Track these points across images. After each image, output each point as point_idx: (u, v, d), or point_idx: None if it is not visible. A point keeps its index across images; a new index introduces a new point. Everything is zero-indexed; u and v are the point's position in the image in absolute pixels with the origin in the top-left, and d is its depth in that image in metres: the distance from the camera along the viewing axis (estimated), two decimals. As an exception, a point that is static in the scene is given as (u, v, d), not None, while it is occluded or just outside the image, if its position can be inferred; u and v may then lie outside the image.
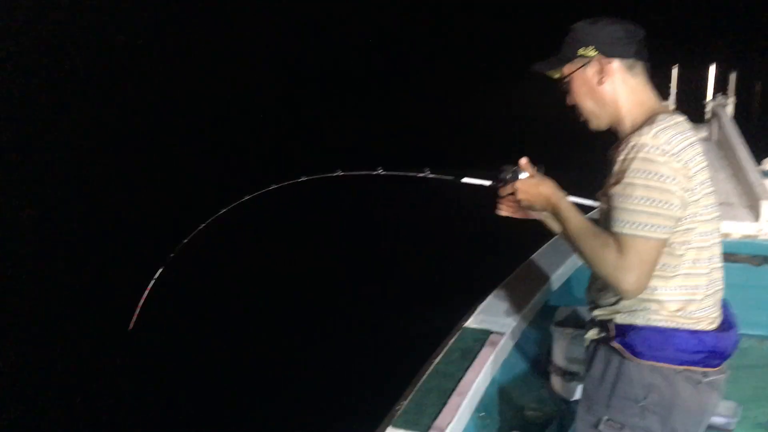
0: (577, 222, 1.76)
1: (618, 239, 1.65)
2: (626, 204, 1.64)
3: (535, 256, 3.19)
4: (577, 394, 2.69)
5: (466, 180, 2.04)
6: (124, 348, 4.17)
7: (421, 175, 2.10)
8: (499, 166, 1.95)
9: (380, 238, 6.43)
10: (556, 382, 2.71)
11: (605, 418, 1.77)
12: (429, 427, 2.00)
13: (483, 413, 2.48)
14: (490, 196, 1.99)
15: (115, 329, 2.49)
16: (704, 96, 5.94)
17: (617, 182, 1.67)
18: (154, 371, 4.57)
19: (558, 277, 3.07)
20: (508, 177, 1.93)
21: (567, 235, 1.79)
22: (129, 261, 5.29)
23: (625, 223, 1.64)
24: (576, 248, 1.76)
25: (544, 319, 2.80)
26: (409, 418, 2.04)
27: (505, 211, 1.96)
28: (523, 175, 1.91)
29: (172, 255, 2.21)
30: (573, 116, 1.88)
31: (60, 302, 5.48)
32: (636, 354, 1.73)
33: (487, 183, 2.01)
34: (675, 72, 6.13)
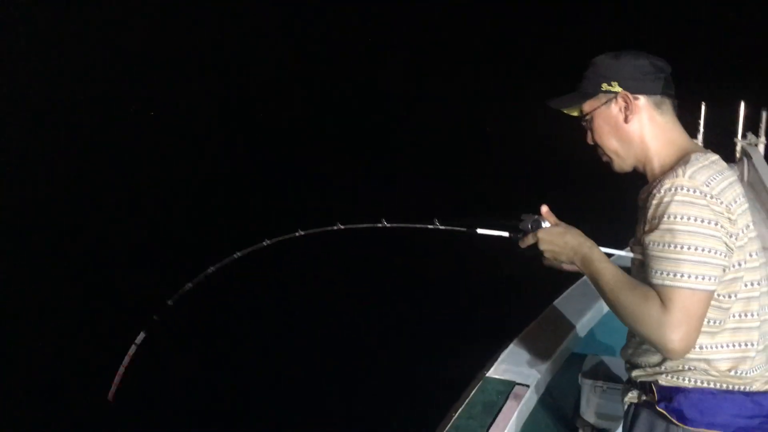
0: (611, 274, 1.59)
1: (660, 292, 1.48)
2: (667, 253, 1.48)
3: (560, 299, 3.03)
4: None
5: (481, 231, 1.89)
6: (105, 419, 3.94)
7: (431, 226, 1.95)
8: (518, 215, 1.83)
9: (392, 288, 6.19)
10: (584, 439, 2.54)
11: None
12: None
13: None
14: (509, 244, 1.86)
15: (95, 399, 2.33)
16: (733, 135, 5.78)
17: (653, 229, 1.51)
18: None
19: (585, 323, 2.91)
20: (529, 227, 1.78)
21: (600, 290, 1.62)
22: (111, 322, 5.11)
23: (667, 274, 1.48)
24: (612, 304, 1.58)
25: (571, 369, 2.63)
26: None
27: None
28: (545, 224, 1.76)
29: (154, 317, 2.11)
30: (589, 157, 1.76)
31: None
32: (684, 420, 1.56)
33: (505, 234, 1.85)
34: (703, 109, 5.99)
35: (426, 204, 6.80)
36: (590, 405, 2.51)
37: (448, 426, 2.15)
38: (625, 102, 1.66)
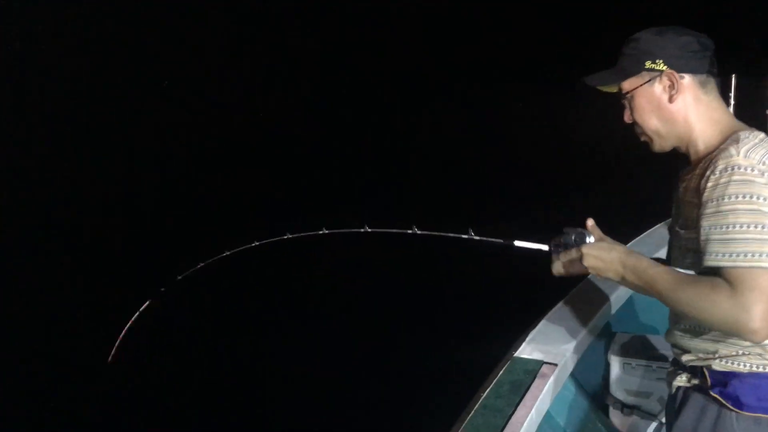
0: (667, 276, 1.54)
1: (729, 276, 1.43)
2: (733, 234, 1.44)
3: (587, 279, 3.00)
4: (637, 430, 2.51)
5: (519, 244, 1.86)
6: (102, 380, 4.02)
7: (465, 237, 1.92)
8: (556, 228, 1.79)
9: (420, 287, 6.07)
10: (615, 416, 2.53)
11: None
12: None
13: None
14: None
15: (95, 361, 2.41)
16: (764, 109, 5.63)
17: (712, 212, 1.47)
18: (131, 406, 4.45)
19: (617, 300, 2.87)
20: (572, 240, 1.75)
21: (659, 295, 1.56)
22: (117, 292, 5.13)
23: (737, 256, 1.42)
24: (675, 304, 1.54)
25: (600, 347, 2.61)
26: None
27: (562, 270, 1.79)
28: (590, 239, 1.73)
29: (162, 289, 2.15)
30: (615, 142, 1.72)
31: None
32: (740, 405, 1.53)
33: (544, 247, 1.83)
34: (734, 82, 5.84)
35: (458, 211, 6.62)
36: (620, 382, 2.49)
37: (476, 406, 2.14)
38: (671, 81, 1.63)
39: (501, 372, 2.30)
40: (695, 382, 1.63)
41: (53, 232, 7.07)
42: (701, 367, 1.61)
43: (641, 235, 3.21)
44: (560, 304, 2.80)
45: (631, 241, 3.04)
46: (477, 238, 1.90)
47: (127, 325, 2.17)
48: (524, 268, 2.34)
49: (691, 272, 1.56)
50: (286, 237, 2.09)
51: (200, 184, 8.18)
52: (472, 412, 2.10)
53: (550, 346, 2.45)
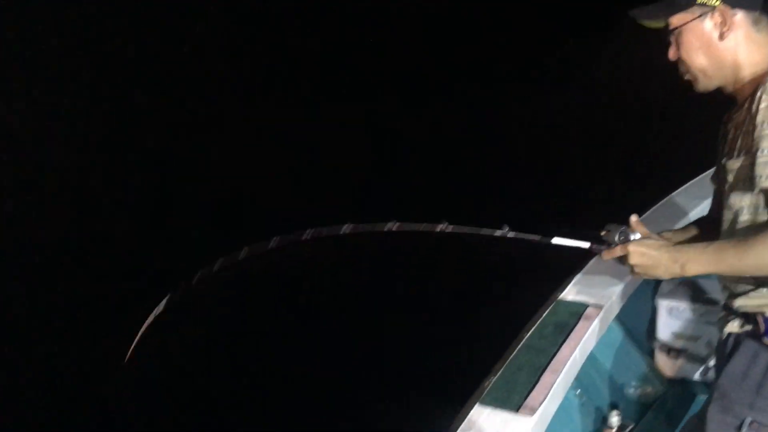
0: (722, 251, 1.52)
1: None
2: None
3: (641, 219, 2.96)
4: (684, 373, 2.50)
5: (557, 241, 1.79)
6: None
7: (499, 233, 1.84)
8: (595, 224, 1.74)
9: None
10: (660, 359, 2.52)
11: (749, 420, 1.55)
12: (520, 406, 1.87)
13: (579, 391, 2.33)
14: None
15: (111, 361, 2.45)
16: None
17: None
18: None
19: None
20: (616, 239, 1.70)
21: (730, 270, 1.54)
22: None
23: None
24: (748, 270, 1.51)
25: (647, 292, 2.59)
26: (498, 396, 1.92)
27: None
28: (635, 237, 1.69)
29: (182, 283, 2.16)
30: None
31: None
32: None
33: (584, 245, 1.77)
34: None
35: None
36: (667, 325, 2.48)
37: (519, 346, 2.16)
38: (723, 17, 1.57)
39: (545, 314, 2.31)
40: (748, 328, 1.61)
41: (64, 231, 6.97)
42: (755, 314, 1.59)
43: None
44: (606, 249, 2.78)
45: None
46: (512, 234, 1.84)
47: (144, 326, 2.19)
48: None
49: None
50: (305, 236, 2.01)
51: (220, 180, 7.99)
52: (515, 351, 2.13)
53: (595, 289, 2.45)
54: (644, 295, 2.60)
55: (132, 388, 4.13)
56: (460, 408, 1.91)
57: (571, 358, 2.11)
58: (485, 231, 1.85)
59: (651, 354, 2.56)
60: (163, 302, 2.20)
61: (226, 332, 5.04)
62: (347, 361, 4.64)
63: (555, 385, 1.98)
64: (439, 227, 1.88)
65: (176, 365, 4.59)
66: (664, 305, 2.50)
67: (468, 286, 5.12)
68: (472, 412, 1.88)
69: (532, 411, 1.86)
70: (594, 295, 2.42)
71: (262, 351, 4.78)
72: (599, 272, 2.57)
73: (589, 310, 2.33)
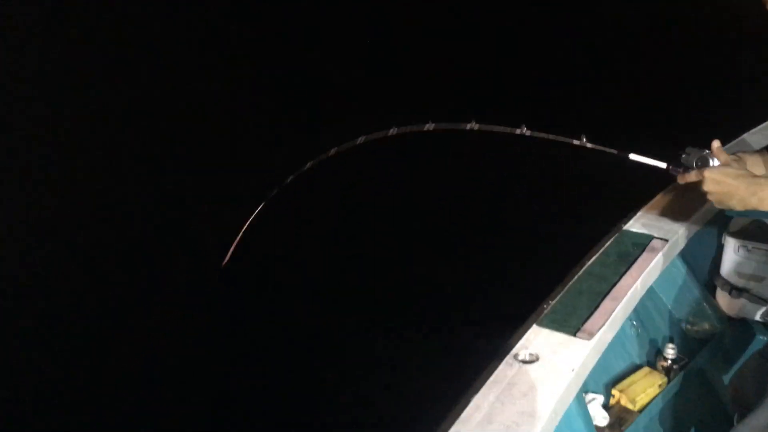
0: None
1: None
2: None
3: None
4: (745, 313, 2.46)
5: (634, 157, 1.74)
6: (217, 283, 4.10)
7: (576, 142, 1.80)
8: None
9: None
10: (721, 297, 2.48)
11: None
12: (578, 330, 1.88)
13: (635, 322, 2.33)
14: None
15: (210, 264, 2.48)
16: None
17: None
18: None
19: None
20: (694, 163, 1.64)
21: None
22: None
23: None
24: None
25: (715, 228, 2.53)
26: (556, 318, 1.92)
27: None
28: (714, 163, 1.62)
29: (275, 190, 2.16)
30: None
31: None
32: None
33: (661, 165, 1.71)
34: None
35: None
36: (733, 264, 2.43)
37: (581, 272, 2.15)
38: None
39: (609, 243, 2.28)
40: None
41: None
42: None
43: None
44: (674, 185, 2.71)
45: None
46: (590, 145, 1.79)
47: (243, 228, 2.19)
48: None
49: None
50: (391, 132, 1.99)
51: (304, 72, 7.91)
52: (575, 277, 2.12)
53: (661, 223, 2.40)
54: (712, 232, 2.54)
55: (232, 290, 4.30)
56: (517, 329, 1.93)
57: (632, 289, 2.09)
58: (563, 139, 1.83)
59: (712, 291, 2.53)
60: (260, 206, 2.25)
61: (320, 230, 5.23)
62: (427, 252, 4.81)
63: (614, 313, 1.97)
64: (518, 130, 1.87)
65: (273, 266, 4.75)
66: (731, 243, 2.44)
67: (540, 195, 5.11)
68: (529, 332, 1.90)
69: (590, 335, 1.86)
70: (660, 227, 2.38)
71: (354, 248, 4.96)
72: (667, 205, 2.52)
73: (654, 242, 2.29)
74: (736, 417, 1.89)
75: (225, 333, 4.30)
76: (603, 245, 2.27)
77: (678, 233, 2.37)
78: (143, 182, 6.08)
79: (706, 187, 1.63)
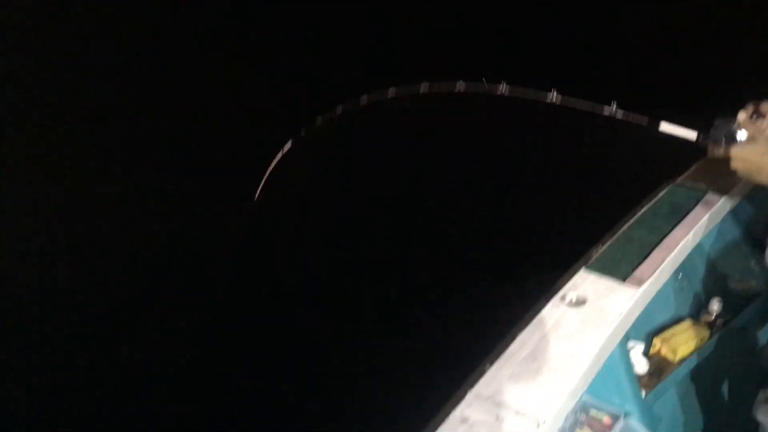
0: None
1: None
2: None
3: None
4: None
5: (664, 127, 1.69)
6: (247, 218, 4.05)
7: (606, 112, 1.76)
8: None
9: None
10: (772, 256, 2.45)
11: None
12: (627, 277, 1.88)
13: (682, 274, 2.32)
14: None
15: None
16: None
17: None
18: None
19: None
20: (722, 137, 1.60)
21: None
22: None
23: None
24: None
25: None
26: (605, 264, 1.93)
27: None
28: (741, 137, 1.58)
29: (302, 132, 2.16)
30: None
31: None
32: None
33: (692, 136, 1.67)
34: None
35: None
36: (786, 223, 2.39)
37: (632, 220, 2.14)
38: None
39: (662, 194, 2.26)
40: None
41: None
42: None
43: None
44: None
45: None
46: (621, 113, 1.76)
47: (272, 165, 2.23)
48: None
49: None
50: (422, 89, 1.98)
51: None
52: (626, 226, 2.11)
53: (717, 177, 2.37)
54: (766, 190, 2.50)
55: (262, 226, 4.29)
56: (564, 271, 1.94)
57: (683, 241, 2.08)
58: (594, 106, 1.80)
59: (762, 251, 2.49)
60: (289, 143, 2.26)
61: (343, 175, 5.22)
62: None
63: (664, 264, 1.97)
64: (549, 96, 1.84)
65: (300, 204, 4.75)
66: (785, 203, 2.40)
67: (569, 162, 5.03)
68: (577, 276, 1.91)
69: (639, 283, 1.86)
70: (715, 182, 2.35)
71: (381, 194, 4.93)
72: (724, 160, 2.48)
73: (708, 197, 2.27)
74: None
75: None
76: (656, 196, 2.25)
77: (732, 189, 2.34)
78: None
79: (733, 165, 1.63)
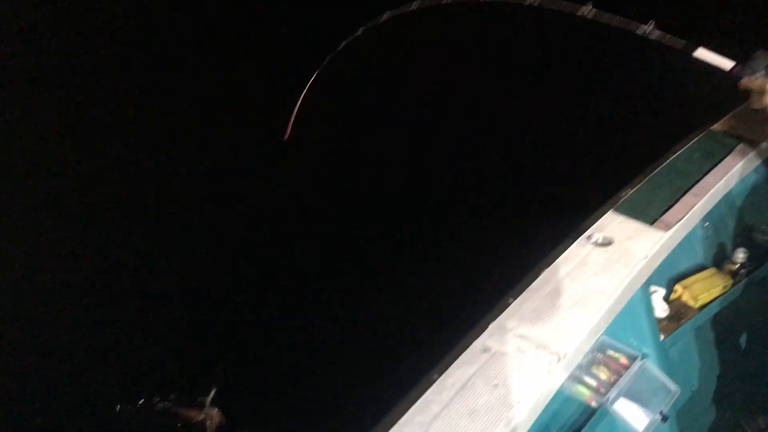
0: None
1: None
2: None
3: None
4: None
5: (700, 53, 1.65)
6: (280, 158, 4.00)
7: (640, 32, 1.70)
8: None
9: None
10: (800, 211, 2.43)
11: None
12: (655, 220, 1.87)
13: (709, 222, 2.30)
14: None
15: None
16: None
17: None
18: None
19: None
20: (760, 68, 1.59)
21: None
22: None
23: None
24: None
25: None
26: (634, 207, 1.91)
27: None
28: None
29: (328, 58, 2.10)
30: None
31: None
32: None
33: (727, 65, 1.63)
34: None
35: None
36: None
37: (662, 166, 2.12)
38: None
39: (695, 140, 2.23)
40: None
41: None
42: None
43: None
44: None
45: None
46: (657, 34, 1.70)
47: (300, 99, 2.20)
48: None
49: None
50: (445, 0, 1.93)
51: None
52: (658, 169, 2.09)
53: (751, 126, 2.32)
54: None
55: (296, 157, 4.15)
56: (593, 212, 1.93)
57: (714, 188, 2.06)
58: (628, 23, 1.74)
59: (791, 203, 2.47)
60: (315, 74, 2.22)
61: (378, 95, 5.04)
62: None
63: (693, 209, 1.96)
64: (582, 9, 1.78)
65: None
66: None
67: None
68: (604, 217, 1.90)
69: (668, 227, 1.85)
70: (749, 131, 2.30)
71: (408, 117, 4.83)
72: (757, 112, 2.43)
73: (741, 146, 2.23)
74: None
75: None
76: (689, 141, 2.22)
77: (766, 141, 2.30)
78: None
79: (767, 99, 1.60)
